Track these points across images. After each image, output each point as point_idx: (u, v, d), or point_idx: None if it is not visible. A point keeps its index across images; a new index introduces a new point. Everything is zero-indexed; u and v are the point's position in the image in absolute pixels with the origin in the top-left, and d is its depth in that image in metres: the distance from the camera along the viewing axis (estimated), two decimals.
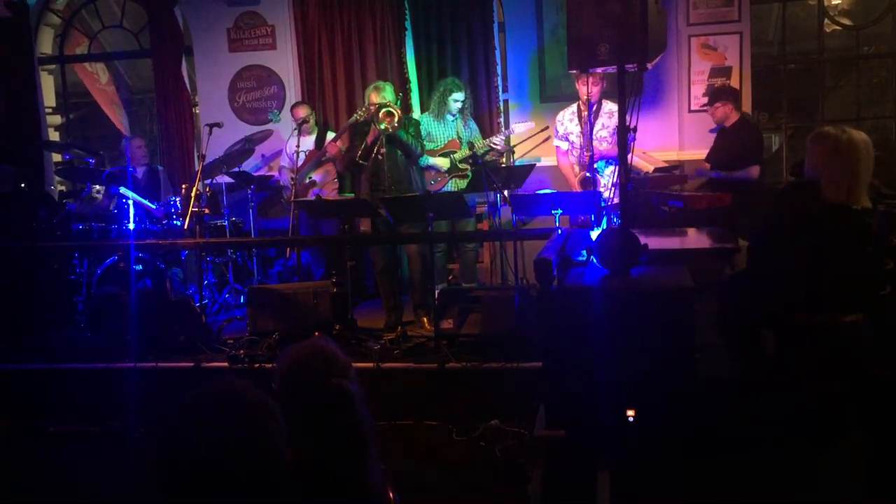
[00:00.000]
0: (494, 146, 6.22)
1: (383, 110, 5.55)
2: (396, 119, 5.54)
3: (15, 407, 4.90)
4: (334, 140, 6.61)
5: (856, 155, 3.56)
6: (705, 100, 6.53)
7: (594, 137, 5.93)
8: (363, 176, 6.02)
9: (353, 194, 6.66)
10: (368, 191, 5.82)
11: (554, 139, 6.31)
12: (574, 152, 6.19)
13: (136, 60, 9.25)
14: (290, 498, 1.84)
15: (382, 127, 5.50)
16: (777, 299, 3.66)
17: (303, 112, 6.74)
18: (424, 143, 6.08)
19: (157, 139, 7.77)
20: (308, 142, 6.70)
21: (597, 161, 5.97)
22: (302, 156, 6.51)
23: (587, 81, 5.78)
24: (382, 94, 5.73)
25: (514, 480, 3.74)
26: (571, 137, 6.16)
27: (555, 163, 6.44)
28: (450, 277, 6.55)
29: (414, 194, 5.65)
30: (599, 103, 6.05)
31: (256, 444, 1.53)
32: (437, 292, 5.42)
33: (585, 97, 5.98)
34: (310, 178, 6.69)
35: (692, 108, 6.80)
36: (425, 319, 5.68)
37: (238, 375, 4.75)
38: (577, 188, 6.15)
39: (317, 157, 6.63)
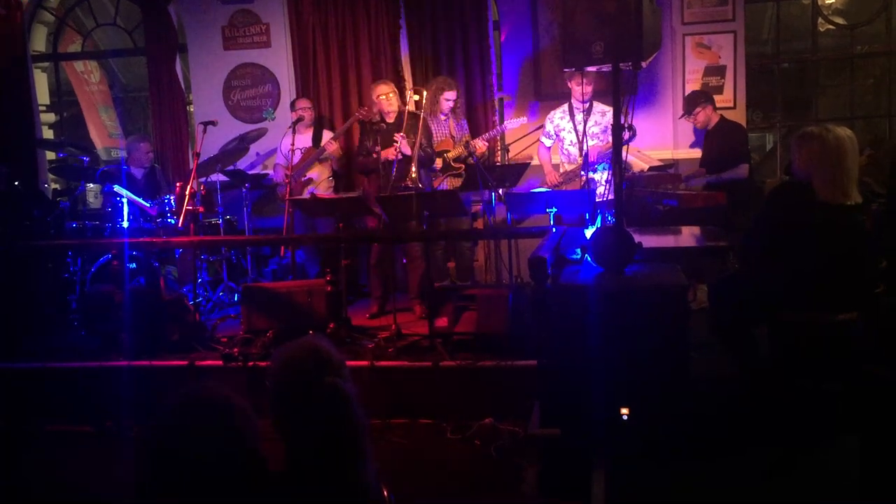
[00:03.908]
0: (473, 150, 6.13)
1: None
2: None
3: (8, 406, 4.89)
4: (334, 139, 6.61)
5: (844, 152, 3.59)
6: None
7: (586, 134, 5.96)
8: (368, 178, 6.07)
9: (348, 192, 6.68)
10: (375, 189, 5.88)
11: (541, 135, 6.34)
12: (565, 147, 6.21)
13: (130, 58, 9.22)
14: (283, 498, 1.84)
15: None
16: (771, 298, 3.67)
17: (305, 104, 6.74)
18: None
19: (151, 137, 7.74)
20: (304, 139, 6.69)
21: (596, 164, 5.99)
22: (297, 153, 6.50)
23: (581, 81, 5.80)
24: (390, 86, 5.89)
25: (508, 479, 3.74)
26: (563, 134, 6.19)
27: None
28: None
29: (409, 192, 5.66)
30: (591, 104, 6.07)
31: (233, 447, 1.54)
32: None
33: (581, 96, 6.00)
34: (306, 175, 6.68)
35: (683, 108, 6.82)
36: (418, 307, 5.93)
37: (232, 373, 4.72)
38: (554, 181, 6.18)
39: (314, 155, 6.62)
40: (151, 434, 1.57)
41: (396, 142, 5.73)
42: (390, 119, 6.02)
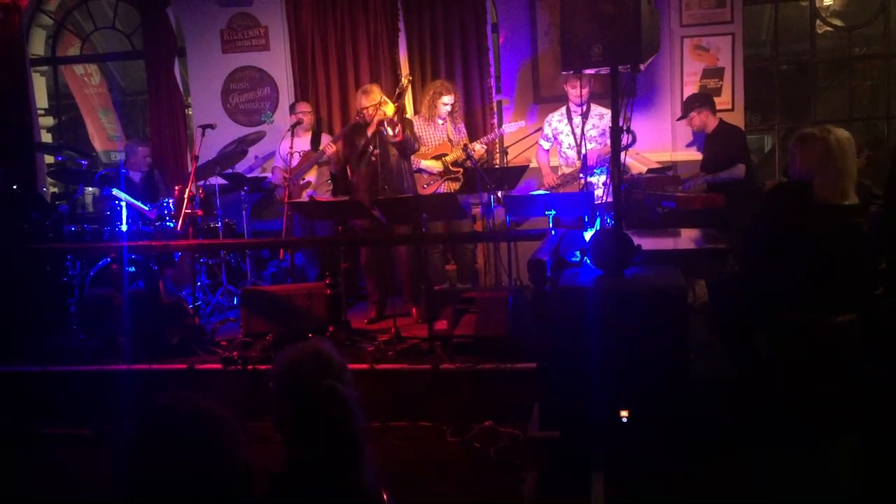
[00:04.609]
0: (471, 154, 6.01)
1: (383, 108, 5.62)
2: (392, 110, 5.63)
3: (7, 409, 4.88)
4: (333, 142, 6.61)
5: (845, 153, 3.61)
6: None
7: (584, 137, 5.96)
8: (358, 177, 6.04)
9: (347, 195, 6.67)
10: (364, 192, 5.84)
11: (539, 138, 6.36)
12: (563, 150, 6.22)
13: (129, 62, 9.22)
14: (283, 499, 1.84)
15: (389, 112, 5.57)
16: (771, 299, 3.68)
17: (305, 108, 6.74)
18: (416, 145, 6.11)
19: (149, 141, 7.73)
20: (302, 142, 6.69)
21: (595, 167, 6.00)
22: (296, 156, 6.50)
23: (578, 84, 5.81)
24: (371, 97, 5.78)
25: (508, 481, 3.74)
26: (561, 137, 6.20)
27: None
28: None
29: (407, 195, 5.66)
30: (588, 106, 6.08)
31: (214, 455, 1.53)
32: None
33: (578, 98, 6.01)
34: (304, 178, 6.68)
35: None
36: (414, 310, 5.91)
37: (231, 377, 4.71)
38: (552, 183, 6.19)
39: (314, 158, 6.62)
40: (126, 440, 1.56)
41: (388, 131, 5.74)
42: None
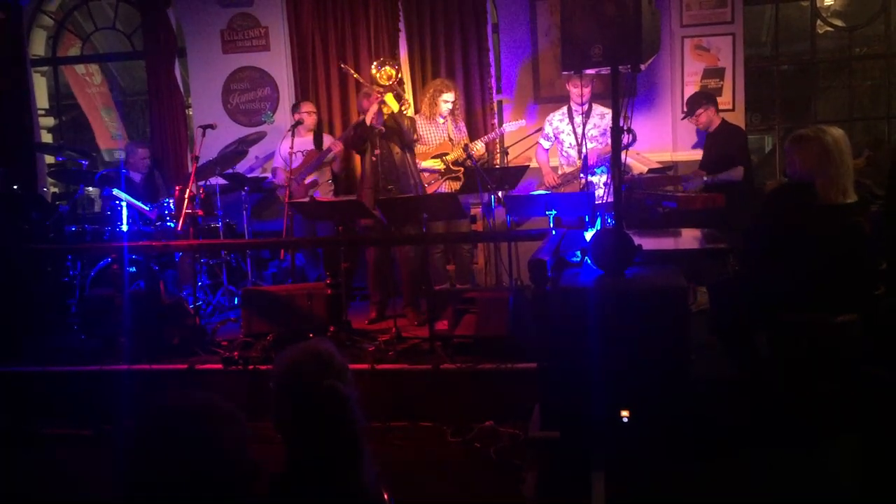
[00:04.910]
0: (472, 153, 5.99)
1: (391, 93, 5.59)
2: (401, 103, 5.61)
3: (7, 409, 4.89)
4: (339, 140, 6.60)
5: (842, 152, 3.61)
6: None
7: (585, 136, 5.97)
8: (363, 175, 6.04)
9: (349, 195, 6.67)
10: (369, 190, 5.84)
11: (540, 137, 6.36)
12: (564, 150, 6.22)
13: (130, 62, 9.23)
14: (282, 499, 1.84)
15: (395, 108, 5.52)
16: (771, 299, 3.68)
17: (309, 108, 6.74)
18: (416, 144, 6.11)
19: (149, 142, 7.73)
20: (303, 142, 6.69)
21: (596, 166, 6.01)
22: (298, 156, 6.50)
23: (579, 83, 5.81)
24: (371, 98, 5.79)
25: (508, 481, 3.74)
26: (562, 136, 6.20)
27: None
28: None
29: (408, 195, 5.65)
30: (590, 106, 6.09)
31: (215, 455, 1.53)
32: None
33: (580, 98, 6.01)
34: (308, 179, 6.67)
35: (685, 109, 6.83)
36: (412, 313, 5.88)
37: (232, 377, 4.69)
38: (553, 182, 6.20)
39: (318, 157, 6.62)
40: (126, 440, 1.55)
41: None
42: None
